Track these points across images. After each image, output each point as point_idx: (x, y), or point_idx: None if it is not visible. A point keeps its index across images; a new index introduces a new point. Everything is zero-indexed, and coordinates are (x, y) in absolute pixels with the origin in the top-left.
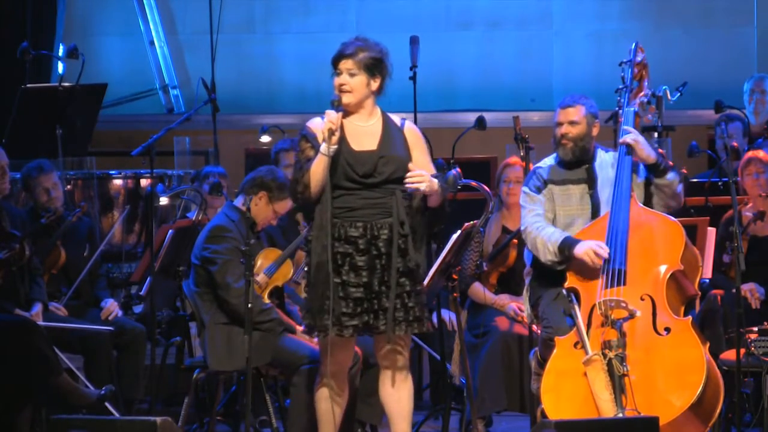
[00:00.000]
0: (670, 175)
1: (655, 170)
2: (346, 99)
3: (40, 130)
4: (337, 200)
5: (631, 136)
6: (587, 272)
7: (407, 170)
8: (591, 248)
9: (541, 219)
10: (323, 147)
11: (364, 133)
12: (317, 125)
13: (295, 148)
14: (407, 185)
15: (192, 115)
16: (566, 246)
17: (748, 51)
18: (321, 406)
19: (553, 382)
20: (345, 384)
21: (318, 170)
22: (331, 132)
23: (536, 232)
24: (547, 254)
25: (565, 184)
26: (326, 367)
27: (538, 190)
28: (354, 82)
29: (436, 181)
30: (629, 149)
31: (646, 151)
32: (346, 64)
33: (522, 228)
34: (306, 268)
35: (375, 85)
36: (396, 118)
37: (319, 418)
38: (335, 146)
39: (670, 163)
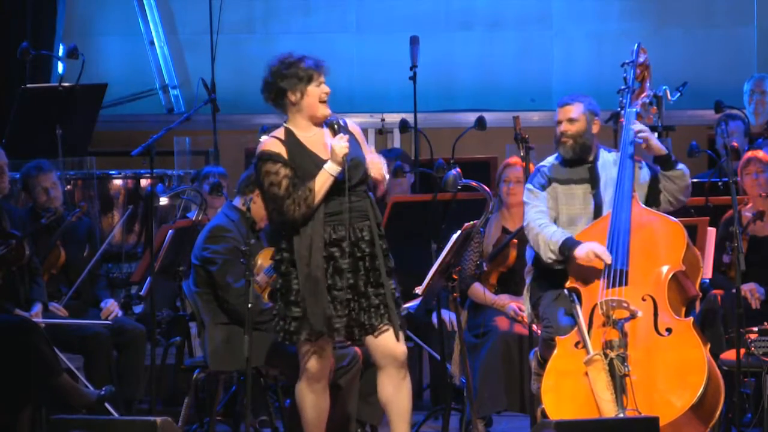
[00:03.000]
0: (681, 165)
1: (666, 162)
2: (328, 111)
3: (40, 130)
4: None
5: (642, 131)
6: (589, 272)
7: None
8: (592, 251)
9: (544, 216)
10: (331, 167)
11: (318, 141)
12: (274, 145)
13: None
14: (371, 174)
15: (192, 115)
16: (567, 247)
17: (748, 51)
18: (307, 414)
19: (554, 382)
20: (327, 389)
21: (324, 188)
22: (346, 154)
23: (538, 229)
24: (548, 252)
25: (569, 183)
26: (314, 373)
27: (543, 188)
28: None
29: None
30: (633, 149)
31: (657, 143)
32: (321, 78)
33: (525, 224)
34: (281, 280)
35: None
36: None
37: (306, 425)
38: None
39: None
